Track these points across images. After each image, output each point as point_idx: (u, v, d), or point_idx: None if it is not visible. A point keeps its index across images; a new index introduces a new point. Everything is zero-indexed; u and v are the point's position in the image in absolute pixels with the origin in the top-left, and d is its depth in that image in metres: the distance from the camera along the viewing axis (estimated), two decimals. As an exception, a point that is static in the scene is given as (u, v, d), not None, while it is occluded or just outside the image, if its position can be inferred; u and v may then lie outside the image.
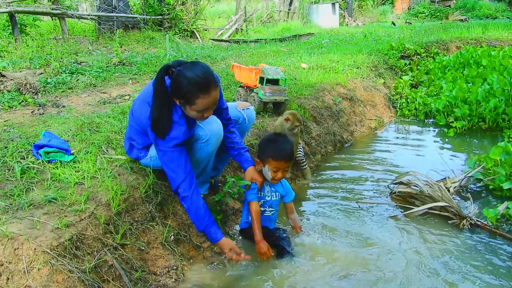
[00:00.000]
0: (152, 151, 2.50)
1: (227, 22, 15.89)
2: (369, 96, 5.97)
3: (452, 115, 5.35)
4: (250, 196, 2.60)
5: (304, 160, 3.77)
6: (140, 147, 2.51)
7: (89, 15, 10.68)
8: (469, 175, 3.48)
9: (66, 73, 5.34)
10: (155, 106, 2.22)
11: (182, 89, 2.16)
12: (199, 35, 13.09)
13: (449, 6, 21.98)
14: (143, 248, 2.27)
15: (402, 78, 6.88)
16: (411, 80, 7.00)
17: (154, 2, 12.66)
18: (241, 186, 2.61)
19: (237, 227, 2.88)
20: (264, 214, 2.70)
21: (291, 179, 3.71)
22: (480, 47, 7.71)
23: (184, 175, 2.31)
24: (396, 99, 6.44)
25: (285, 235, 2.70)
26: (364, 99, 5.82)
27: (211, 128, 2.41)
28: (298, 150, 3.69)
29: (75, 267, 1.84)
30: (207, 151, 2.44)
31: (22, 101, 4.00)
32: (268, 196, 2.72)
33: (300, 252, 2.61)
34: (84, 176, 2.34)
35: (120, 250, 2.14)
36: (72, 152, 2.58)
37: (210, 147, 2.44)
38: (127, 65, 6.29)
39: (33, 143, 2.55)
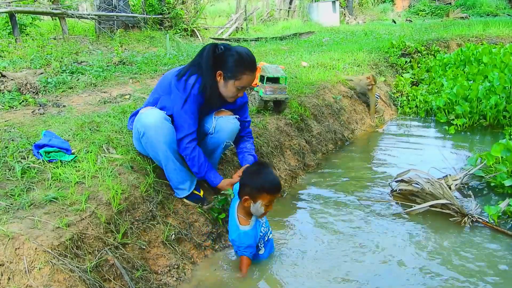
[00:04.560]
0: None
1: (227, 21, 15.88)
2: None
3: (453, 112, 5.34)
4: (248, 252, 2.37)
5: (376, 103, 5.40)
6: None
7: (89, 15, 10.67)
8: (471, 172, 3.47)
9: (66, 72, 5.33)
10: (199, 68, 2.44)
11: (231, 63, 2.40)
12: (200, 34, 13.09)
13: (450, 3, 21.94)
14: (144, 247, 2.27)
15: (402, 76, 6.87)
16: (412, 78, 6.98)
17: (154, 1, 12.64)
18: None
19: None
20: (259, 252, 2.46)
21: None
22: (481, 44, 7.69)
23: (192, 129, 2.48)
24: (397, 97, 6.43)
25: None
26: (364, 97, 5.81)
27: (144, 121, 2.40)
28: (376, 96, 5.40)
29: (76, 267, 1.84)
30: (150, 144, 2.44)
31: (23, 101, 4.00)
32: (262, 232, 2.45)
33: (299, 250, 2.61)
34: (84, 176, 2.34)
35: (121, 249, 2.14)
36: (72, 151, 2.58)
37: (150, 140, 2.41)
38: (127, 65, 6.28)
39: (34, 143, 2.55)
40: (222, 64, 2.43)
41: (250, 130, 2.90)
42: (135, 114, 2.71)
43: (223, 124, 2.60)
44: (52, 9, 9.54)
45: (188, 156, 2.50)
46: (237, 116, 2.68)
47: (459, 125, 5.09)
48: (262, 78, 3.93)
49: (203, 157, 2.56)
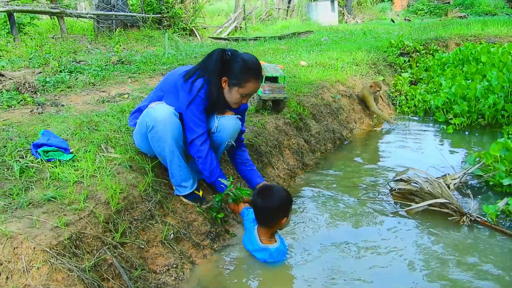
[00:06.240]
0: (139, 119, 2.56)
1: (226, 20, 15.87)
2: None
3: (451, 111, 5.34)
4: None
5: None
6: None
7: (87, 14, 10.65)
8: (469, 171, 3.47)
9: (65, 72, 5.32)
10: (206, 72, 2.45)
11: (236, 70, 2.41)
12: (198, 33, 13.07)
13: (448, 3, 21.97)
14: (143, 246, 2.27)
15: (401, 75, 6.87)
16: (411, 77, 6.99)
17: (153, 1, 12.63)
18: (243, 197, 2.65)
19: (238, 230, 2.86)
20: None
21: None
22: (479, 43, 7.70)
23: (203, 130, 2.50)
24: (396, 96, 6.43)
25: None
26: (363, 96, 5.82)
27: (154, 115, 2.39)
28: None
29: (75, 266, 1.84)
30: (157, 138, 2.43)
31: (21, 100, 3.99)
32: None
33: (297, 250, 2.61)
34: (83, 175, 2.34)
35: (120, 249, 2.13)
36: (71, 151, 2.58)
37: (159, 134, 2.41)
38: (126, 64, 6.27)
39: (32, 142, 2.55)
40: (228, 71, 2.44)
41: (243, 138, 2.92)
42: (136, 111, 2.70)
43: (225, 123, 2.60)
44: (51, 8, 9.51)
45: (202, 160, 2.53)
46: (239, 116, 2.68)
47: (458, 124, 5.10)
48: (260, 78, 3.93)
49: (216, 162, 2.57)
